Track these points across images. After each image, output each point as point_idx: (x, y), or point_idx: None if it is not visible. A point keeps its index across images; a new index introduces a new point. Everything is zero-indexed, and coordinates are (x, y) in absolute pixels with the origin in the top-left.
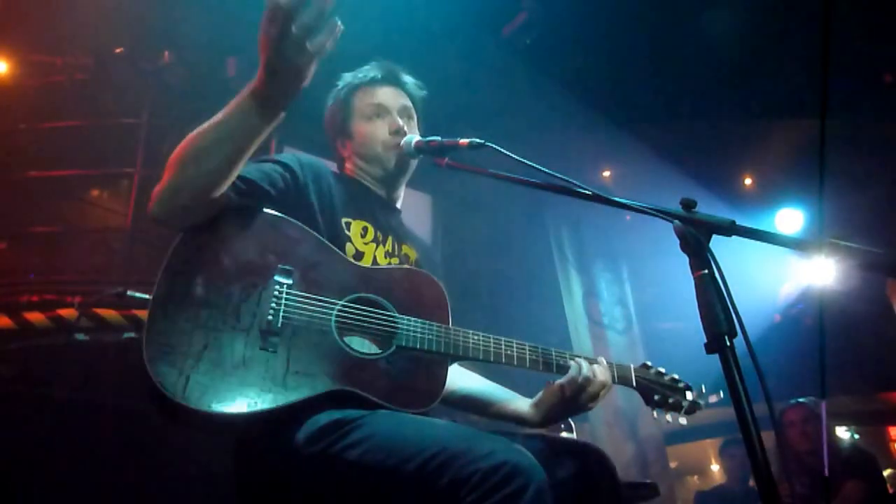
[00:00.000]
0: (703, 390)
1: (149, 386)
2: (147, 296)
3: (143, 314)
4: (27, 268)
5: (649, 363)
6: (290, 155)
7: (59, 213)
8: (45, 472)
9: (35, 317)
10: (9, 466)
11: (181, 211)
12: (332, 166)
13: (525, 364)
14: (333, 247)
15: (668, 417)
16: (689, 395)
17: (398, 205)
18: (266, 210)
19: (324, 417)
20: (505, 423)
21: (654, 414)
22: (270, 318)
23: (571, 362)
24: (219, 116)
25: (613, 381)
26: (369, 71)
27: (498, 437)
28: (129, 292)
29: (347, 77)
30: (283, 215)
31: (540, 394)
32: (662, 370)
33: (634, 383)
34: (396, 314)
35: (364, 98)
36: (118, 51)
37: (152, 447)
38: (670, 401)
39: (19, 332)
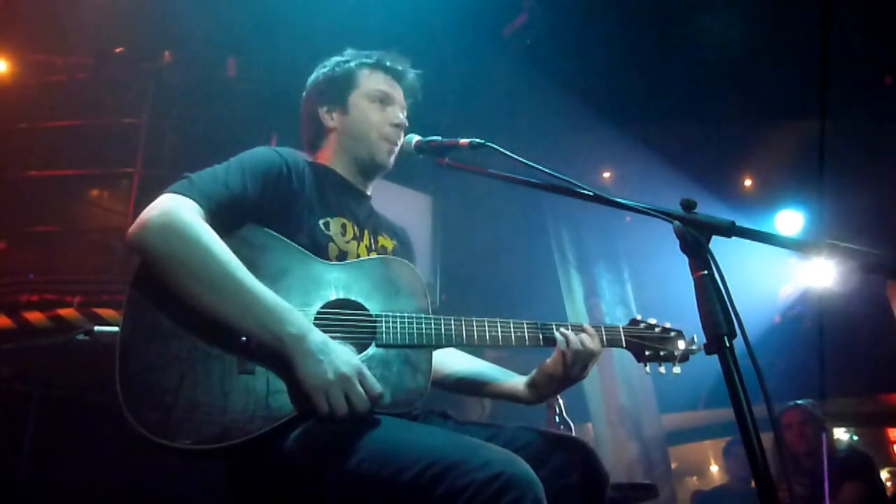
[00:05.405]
0: (696, 339)
1: (133, 430)
2: (115, 328)
3: None
4: (26, 267)
5: (639, 316)
6: (268, 149)
7: (58, 213)
8: (44, 471)
9: (34, 316)
10: (8, 465)
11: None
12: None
13: (511, 343)
14: (302, 248)
15: (662, 369)
16: (681, 344)
17: (369, 192)
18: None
19: (317, 425)
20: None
21: (647, 368)
22: (244, 338)
23: (557, 334)
24: (243, 285)
25: (602, 346)
26: (385, 57)
27: (495, 447)
28: (96, 328)
29: (355, 52)
30: (248, 223)
31: (533, 372)
32: (653, 321)
33: (624, 343)
34: (373, 312)
35: (374, 80)
36: (118, 51)
37: (152, 447)
38: (662, 353)
39: (18, 332)
